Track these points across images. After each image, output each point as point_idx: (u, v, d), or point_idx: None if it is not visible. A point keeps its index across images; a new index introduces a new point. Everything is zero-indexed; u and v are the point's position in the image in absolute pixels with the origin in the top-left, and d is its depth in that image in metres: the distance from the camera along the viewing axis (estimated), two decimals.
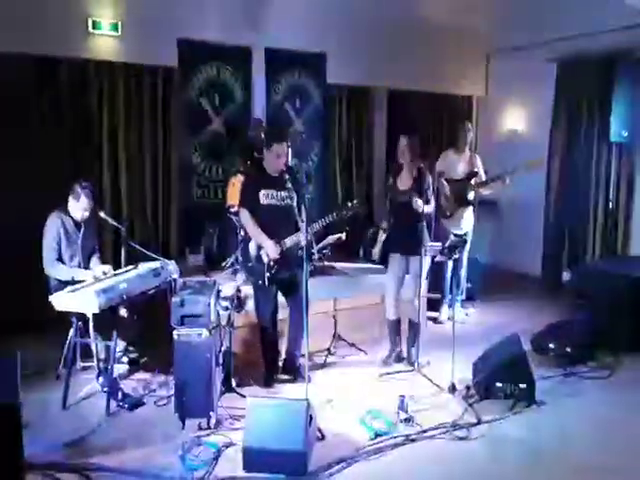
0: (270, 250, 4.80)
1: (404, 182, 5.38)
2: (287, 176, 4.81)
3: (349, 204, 5.03)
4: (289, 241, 4.84)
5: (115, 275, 4.84)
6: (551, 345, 5.53)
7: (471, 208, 6.69)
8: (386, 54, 8.03)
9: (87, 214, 5.00)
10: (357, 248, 6.96)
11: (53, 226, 4.89)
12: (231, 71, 7.35)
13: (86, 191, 4.93)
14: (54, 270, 4.86)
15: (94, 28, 6.32)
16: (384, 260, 5.57)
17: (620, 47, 7.20)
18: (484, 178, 6.64)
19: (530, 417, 4.53)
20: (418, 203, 5.17)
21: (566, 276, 7.15)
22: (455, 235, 6.28)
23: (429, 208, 5.29)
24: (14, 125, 5.84)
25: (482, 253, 7.46)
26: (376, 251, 5.64)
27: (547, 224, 8.29)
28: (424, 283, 5.38)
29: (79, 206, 4.94)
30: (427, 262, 5.36)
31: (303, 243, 4.56)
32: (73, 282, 4.73)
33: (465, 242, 6.48)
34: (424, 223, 5.25)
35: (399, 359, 5.51)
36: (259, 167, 5.04)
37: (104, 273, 4.87)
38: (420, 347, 5.21)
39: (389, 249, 5.50)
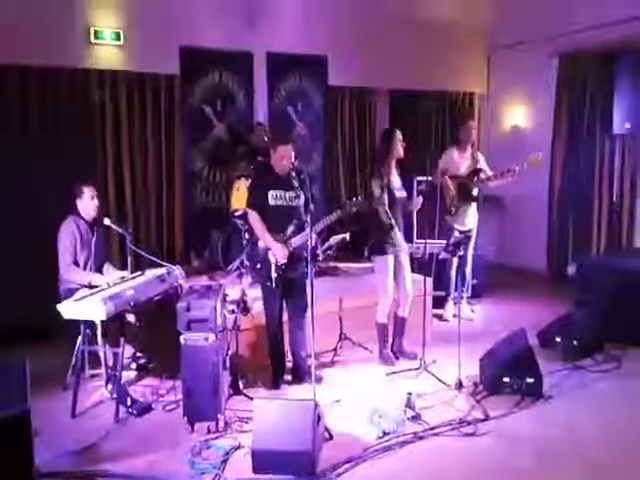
0: (279, 253, 4.80)
1: (397, 179, 5.40)
2: (294, 175, 4.84)
3: (353, 200, 5.03)
4: (295, 241, 4.85)
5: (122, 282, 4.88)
6: (558, 339, 5.54)
7: (475, 204, 6.68)
8: (386, 54, 8.05)
9: (97, 203, 5.06)
10: (361, 248, 6.97)
11: (69, 229, 4.93)
12: (233, 77, 7.40)
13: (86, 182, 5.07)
14: (71, 274, 4.89)
15: (96, 38, 6.40)
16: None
17: (621, 39, 7.17)
18: (490, 173, 6.58)
19: (538, 412, 4.53)
20: (419, 199, 5.23)
21: (571, 270, 7.14)
22: (459, 232, 6.31)
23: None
24: (17, 136, 5.90)
25: (487, 249, 7.45)
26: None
27: (551, 218, 8.30)
28: (410, 278, 5.46)
29: (88, 195, 5.00)
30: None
31: (309, 242, 4.51)
32: (90, 287, 4.78)
33: (469, 239, 6.49)
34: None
35: (397, 356, 5.52)
36: (266, 167, 5.00)
37: (122, 278, 4.89)
38: (426, 345, 5.21)
39: (381, 249, 5.39)
